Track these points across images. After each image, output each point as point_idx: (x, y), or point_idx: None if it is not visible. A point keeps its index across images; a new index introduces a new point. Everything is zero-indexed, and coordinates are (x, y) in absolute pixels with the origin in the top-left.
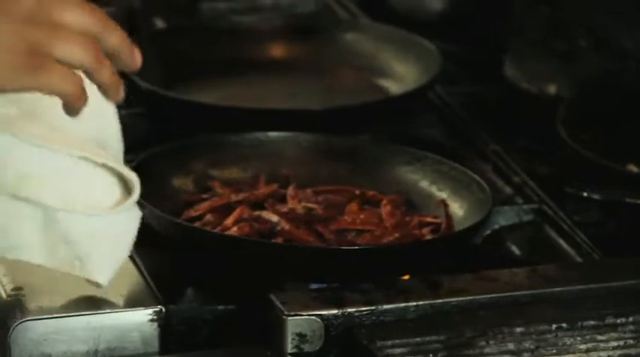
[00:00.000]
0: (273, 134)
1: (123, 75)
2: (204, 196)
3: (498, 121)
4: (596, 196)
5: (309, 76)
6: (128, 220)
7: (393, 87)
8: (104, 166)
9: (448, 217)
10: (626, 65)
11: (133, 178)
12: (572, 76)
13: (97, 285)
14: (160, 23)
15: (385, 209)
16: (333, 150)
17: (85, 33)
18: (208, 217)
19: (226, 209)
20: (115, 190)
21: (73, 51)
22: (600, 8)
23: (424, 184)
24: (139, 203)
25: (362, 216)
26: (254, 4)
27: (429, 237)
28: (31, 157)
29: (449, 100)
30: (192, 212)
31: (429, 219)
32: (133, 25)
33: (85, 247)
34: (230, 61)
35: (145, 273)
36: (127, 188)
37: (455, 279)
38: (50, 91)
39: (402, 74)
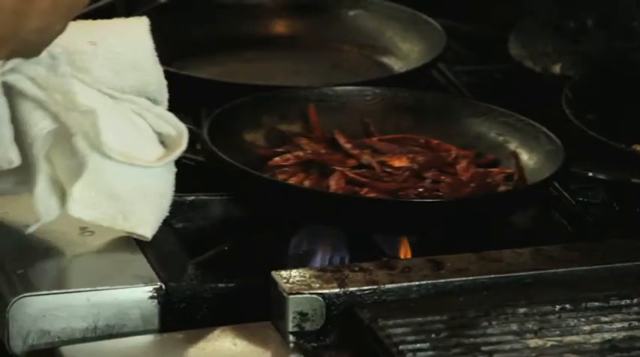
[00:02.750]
0: (339, 89)
1: None
2: (279, 149)
3: (503, 100)
4: (601, 176)
5: (312, 54)
6: (169, 174)
7: (397, 65)
8: (151, 116)
9: (519, 168)
10: (634, 45)
11: (184, 129)
12: (579, 55)
13: (143, 238)
14: None
15: (461, 165)
16: (400, 103)
17: None
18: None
19: (306, 164)
20: (157, 143)
21: None
22: None
23: (492, 135)
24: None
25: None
26: None
27: (503, 188)
28: (92, 99)
29: (453, 79)
30: (278, 161)
31: (500, 170)
32: (133, 0)
33: (130, 202)
34: (232, 38)
35: (146, 250)
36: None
37: (458, 259)
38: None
39: (406, 52)
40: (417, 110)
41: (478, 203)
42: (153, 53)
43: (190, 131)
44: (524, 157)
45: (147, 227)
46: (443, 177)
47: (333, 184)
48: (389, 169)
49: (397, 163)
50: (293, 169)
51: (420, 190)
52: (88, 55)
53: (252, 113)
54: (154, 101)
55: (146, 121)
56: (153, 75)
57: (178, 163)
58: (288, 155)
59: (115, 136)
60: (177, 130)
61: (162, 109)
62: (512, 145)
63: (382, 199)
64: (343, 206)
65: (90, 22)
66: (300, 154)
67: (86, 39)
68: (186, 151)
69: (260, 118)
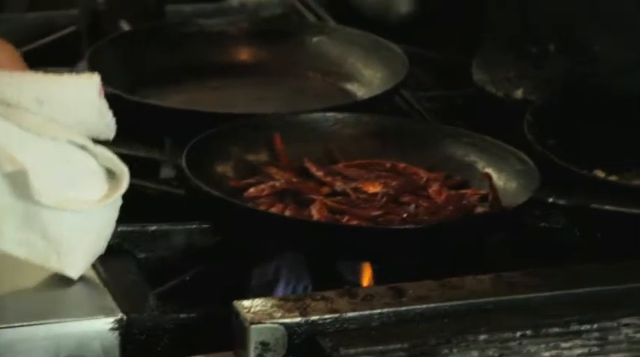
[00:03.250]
0: (302, 116)
1: None
2: (250, 180)
3: (466, 125)
4: (562, 202)
5: (276, 81)
6: (110, 213)
7: (361, 91)
8: (93, 156)
9: (493, 188)
10: (595, 69)
11: (124, 169)
12: (541, 80)
13: (69, 278)
14: (125, 26)
15: (433, 188)
16: (363, 128)
17: None
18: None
19: (280, 194)
20: (101, 182)
21: None
22: (570, 12)
23: (459, 157)
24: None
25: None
26: (220, 7)
27: (481, 209)
28: (26, 147)
29: (416, 105)
30: (254, 193)
31: (473, 191)
32: (97, 28)
33: (66, 243)
34: (196, 65)
35: (107, 280)
36: (110, 179)
37: (419, 286)
38: None
39: (369, 78)
40: (380, 135)
41: (477, 224)
42: (102, 113)
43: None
44: (494, 176)
45: (78, 268)
46: (420, 201)
47: (315, 213)
48: (363, 195)
49: (371, 189)
50: (269, 199)
51: (405, 215)
52: (32, 112)
53: (219, 145)
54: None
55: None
56: (100, 130)
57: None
58: (263, 186)
59: (51, 180)
60: (119, 170)
61: (104, 149)
62: (480, 165)
63: (385, 228)
64: (345, 236)
65: (39, 75)
66: (276, 184)
67: (33, 95)
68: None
69: (227, 149)
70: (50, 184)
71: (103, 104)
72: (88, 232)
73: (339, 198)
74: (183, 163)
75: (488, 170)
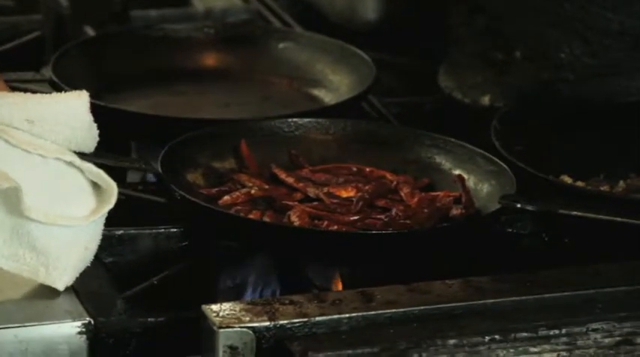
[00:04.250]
0: (264, 122)
1: (53, 85)
2: (223, 188)
3: (433, 131)
4: (529, 208)
5: (242, 86)
6: (97, 227)
7: (328, 97)
8: (81, 172)
9: (466, 191)
10: (562, 76)
11: (113, 185)
12: (507, 87)
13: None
14: (89, 31)
15: (405, 192)
16: (325, 132)
17: None
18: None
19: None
20: (89, 197)
21: None
22: (537, 20)
23: (425, 159)
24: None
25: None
26: (186, 13)
27: (455, 211)
28: (16, 164)
29: (384, 111)
30: (229, 200)
31: (445, 194)
32: (62, 33)
33: (54, 257)
34: (162, 70)
35: (74, 284)
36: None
37: (388, 290)
38: None
39: (336, 84)
40: (344, 139)
41: (460, 227)
42: (91, 127)
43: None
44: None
45: (65, 281)
46: (395, 204)
47: (296, 219)
48: (336, 200)
49: (344, 194)
50: (245, 206)
51: (386, 219)
52: (24, 132)
53: (188, 153)
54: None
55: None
56: (86, 144)
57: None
58: (238, 193)
59: (40, 196)
60: (105, 185)
61: (90, 165)
62: (447, 167)
63: (382, 233)
64: (336, 242)
65: (28, 95)
66: (251, 191)
67: (23, 116)
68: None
69: (195, 157)
70: (40, 200)
71: (91, 119)
72: (76, 245)
73: (316, 203)
74: (161, 171)
75: (458, 172)
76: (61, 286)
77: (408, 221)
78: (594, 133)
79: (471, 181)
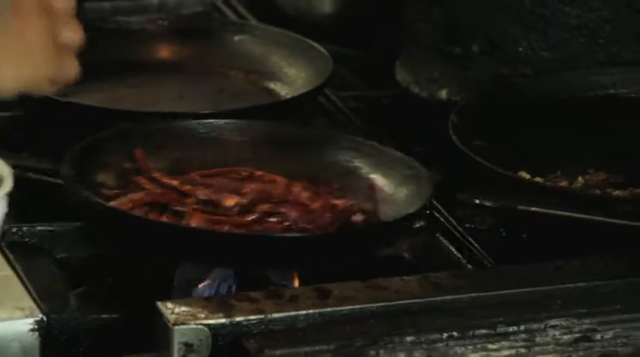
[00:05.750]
0: (161, 125)
1: None
2: (118, 191)
3: (391, 126)
4: (488, 203)
5: (197, 79)
6: None
7: (284, 90)
8: None
9: (374, 200)
10: (521, 71)
11: (9, 171)
12: (466, 81)
13: None
14: None
15: (305, 195)
16: (242, 135)
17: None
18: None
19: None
20: None
21: (76, 36)
22: (495, 13)
23: (345, 163)
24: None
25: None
26: (139, 4)
27: (359, 216)
28: None
29: (340, 105)
30: (124, 205)
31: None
32: None
33: None
34: (116, 63)
35: (26, 281)
36: None
37: (345, 287)
38: (66, 79)
39: (292, 78)
40: (258, 141)
41: (364, 233)
42: None
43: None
44: (382, 183)
45: None
46: (288, 208)
47: (194, 223)
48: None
49: (226, 202)
50: (139, 210)
51: (287, 223)
52: None
53: (98, 153)
54: None
55: None
56: None
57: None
58: (125, 198)
59: None
60: (3, 172)
61: None
62: (364, 171)
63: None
64: (239, 245)
65: None
66: (136, 197)
67: None
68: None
69: (106, 157)
70: None
71: None
72: None
73: (208, 207)
74: (65, 173)
75: (375, 176)
76: None
77: (308, 226)
78: (553, 128)
79: (390, 186)
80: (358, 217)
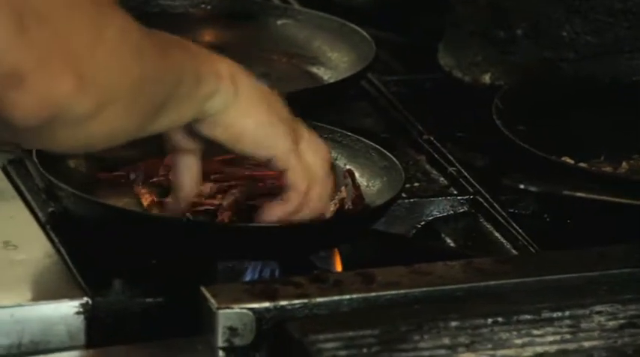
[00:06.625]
0: None
1: None
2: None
3: (434, 110)
4: (532, 188)
5: (241, 63)
6: None
7: (327, 75)
8: None
9: (356, 186)
10: (564, 55)
11: None
12: (509, 65)
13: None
14: None
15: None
16: None
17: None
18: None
19: None
20: None
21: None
22: None
23: None
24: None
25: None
26: None
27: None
28: None
29: (383, 89)
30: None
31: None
32: None
33: None
34: None
35: (71, 263)
36: None
37: (389, 272)
38: None
39: (335, 62)
40: None
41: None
42: None
43: None
44: (357, 173)
45: None
46: None
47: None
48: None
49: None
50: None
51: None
52: None
53: None
54: None
55: None
56: None
57: None
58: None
59: None
60: None
61: None
62: (341, 162)
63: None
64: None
65: None
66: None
67: None
68: None
69: None
70: None
71: None
72: None
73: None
74: (35, 159)
75: (351, 167)
76: None
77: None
78: (596, 113)
79: (364, 178)
80: (347, 204)
